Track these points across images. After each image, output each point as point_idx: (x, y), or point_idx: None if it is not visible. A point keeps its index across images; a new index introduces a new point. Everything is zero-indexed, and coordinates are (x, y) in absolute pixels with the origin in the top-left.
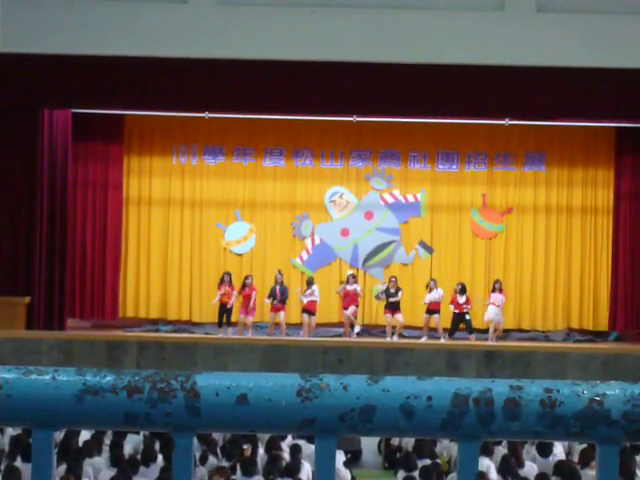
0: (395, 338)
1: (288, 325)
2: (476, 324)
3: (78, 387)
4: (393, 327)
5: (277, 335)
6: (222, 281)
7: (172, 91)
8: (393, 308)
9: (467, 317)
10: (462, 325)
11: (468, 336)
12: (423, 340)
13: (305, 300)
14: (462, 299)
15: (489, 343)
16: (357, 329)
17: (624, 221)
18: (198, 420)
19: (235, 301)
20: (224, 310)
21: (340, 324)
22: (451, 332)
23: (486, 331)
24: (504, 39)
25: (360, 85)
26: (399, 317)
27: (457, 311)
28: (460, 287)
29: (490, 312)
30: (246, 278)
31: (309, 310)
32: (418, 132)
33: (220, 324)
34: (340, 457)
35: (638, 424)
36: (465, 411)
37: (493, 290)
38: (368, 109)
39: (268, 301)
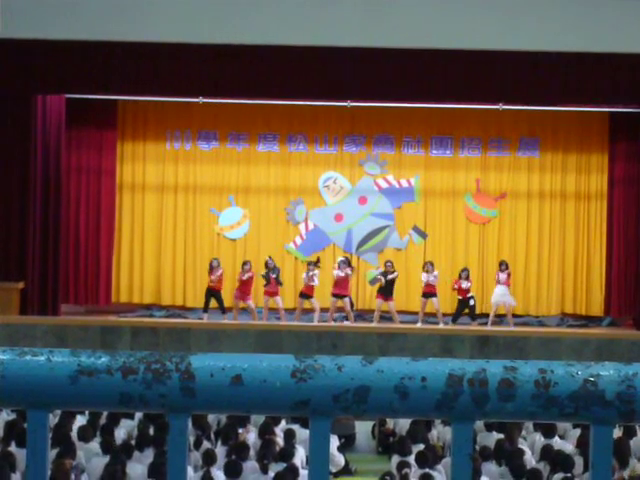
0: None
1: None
2: (484, 308)
3: (73, 368)
4: (385, 312)
5: (273, 320)
6: (212, 267)
7: (166, 76)
8: (386, 293)
9: (471, 303)
10: (466, 310)
11: (471, 322)
12: (418, 325)
13: (309, 283)
14: (466, 284)
15: (484, 328)
16: (348, 322)
17: (618, 207)
18: (193, 401)
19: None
20: (213, 295)
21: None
22: (455, 317)
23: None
24: (498, 23)
25: (354, 70)
26: (391, 304)
27: (460, 297)
28: (465, 273)
29: (495, 294)
30: (244, 264)
31: (307, 294)
32: (412, 117)
33: (206, 309)
34: (334, 442)
35: (632, 405)
36: (459, 392)
37: (500, 270)
38: (362, 94)
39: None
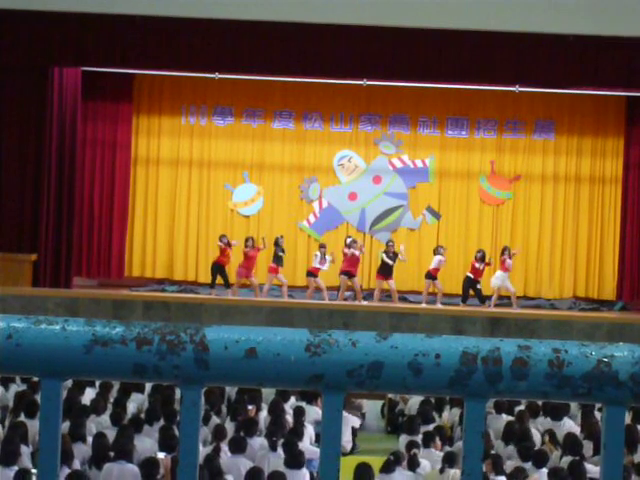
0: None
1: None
2: (488, 290)
3: (87, 337)
4: (385, 290)
5: (281, 297)
6: (229, 244)
7: (183, 51)
8: (386, 273)
9: (478, 286)
10: (472, 292)
11: (480, 305)
12: (423, 306)
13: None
14: (481, 266)
15: (496, 310)
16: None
17: (633, 191)
18: (206, 373)
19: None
20: (219, 270)
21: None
22: (464, 298)
23: (505, 298)
24: (515, 5)
25: (371, 49)
26: (392, 283)
27: (472, 276)
28: (480, 254)
29: (495, 277)
30: (247, 240)
31: (313, 273)
32: (428, 97)
33: (213, 285)
34: (352, 423)
35: None
36: (473, 369)
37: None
38: (378, 73)
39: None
